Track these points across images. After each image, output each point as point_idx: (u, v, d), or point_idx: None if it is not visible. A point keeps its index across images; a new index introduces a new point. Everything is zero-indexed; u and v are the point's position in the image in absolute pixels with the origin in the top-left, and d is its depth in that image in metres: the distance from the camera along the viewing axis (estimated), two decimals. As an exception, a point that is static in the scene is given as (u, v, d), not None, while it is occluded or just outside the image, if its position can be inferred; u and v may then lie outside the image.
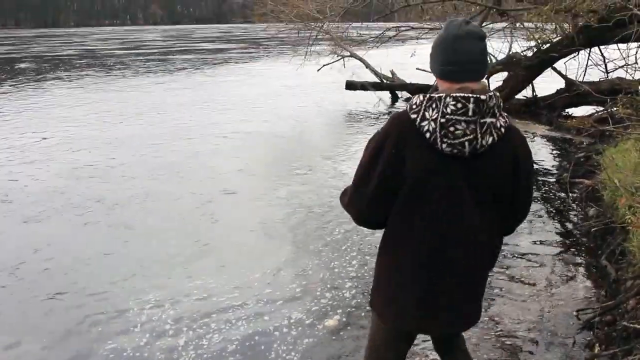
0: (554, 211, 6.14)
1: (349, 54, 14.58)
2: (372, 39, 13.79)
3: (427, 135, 2.01)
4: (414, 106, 2.06)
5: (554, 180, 7.30)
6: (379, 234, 2.28)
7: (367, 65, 14.40)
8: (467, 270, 2.17)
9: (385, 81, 14.02)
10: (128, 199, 6.53)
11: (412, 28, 13.27)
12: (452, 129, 1.99)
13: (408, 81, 13.64)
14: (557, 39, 10.66)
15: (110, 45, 29.37)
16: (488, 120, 2.01)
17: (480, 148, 2.02)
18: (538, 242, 5.22)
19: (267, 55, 25.26)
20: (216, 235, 5.55)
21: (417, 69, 12.77)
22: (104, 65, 22.76)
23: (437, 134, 2.00)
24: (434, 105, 2.01)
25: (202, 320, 3.93)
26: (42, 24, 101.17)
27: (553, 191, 6.83)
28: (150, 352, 3.58)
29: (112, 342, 3.69)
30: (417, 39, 13.04)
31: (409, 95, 13.67)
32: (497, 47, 11.87)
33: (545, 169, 7.86)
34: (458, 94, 1.99)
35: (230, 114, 12.28)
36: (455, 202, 2.08)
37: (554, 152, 8.87)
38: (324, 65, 14.49)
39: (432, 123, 2.00)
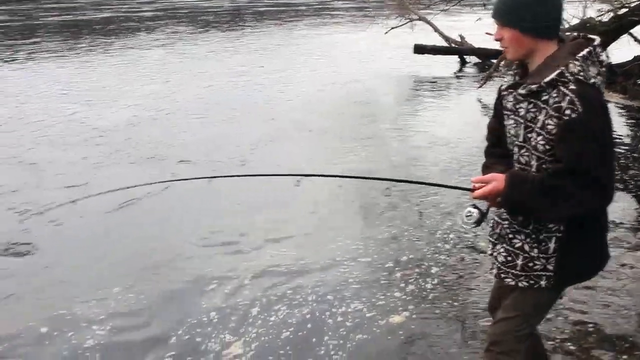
0: (631, 183, 6.13)
1: (417, 17, 14.50)
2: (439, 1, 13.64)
3: (603, 90, 2.14)
4: (582, 72, 2.04)
5: (628, 150, 7.26)
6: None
7: (436, 29, 14.30)
8: None
9: (454, 45, 13.92)
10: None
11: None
12: (607, 73, 2.15)
13: (477, 46, 13.50)
14: (636, 2, 10.33)
15: (184, 6, 28.40)
16: None
17: None
18: (611, 217, 5.23)
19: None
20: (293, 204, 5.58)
21: (487, 33, 12.56)
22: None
23: (604, 83, 2.13)
24: (589, 63, 2.07)
25: (271, 291, 3.99)
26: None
27: (627, 162, 6.78)
28: (228, 316, 3.76)
29: (188, 300, 3.94)
30: (484, 5, 12.84)
31: (477, 60, 13.55)
32: (571, 13, 11.59)
33: (619, 138, 7.79)
34: (595, 44, 2.10)
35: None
36: None
37: (629, 121, 8.76)
38: (392, 28, 14.46)
39: (600, 77, 2.09)
